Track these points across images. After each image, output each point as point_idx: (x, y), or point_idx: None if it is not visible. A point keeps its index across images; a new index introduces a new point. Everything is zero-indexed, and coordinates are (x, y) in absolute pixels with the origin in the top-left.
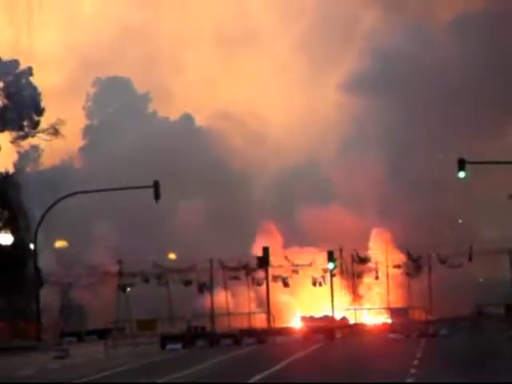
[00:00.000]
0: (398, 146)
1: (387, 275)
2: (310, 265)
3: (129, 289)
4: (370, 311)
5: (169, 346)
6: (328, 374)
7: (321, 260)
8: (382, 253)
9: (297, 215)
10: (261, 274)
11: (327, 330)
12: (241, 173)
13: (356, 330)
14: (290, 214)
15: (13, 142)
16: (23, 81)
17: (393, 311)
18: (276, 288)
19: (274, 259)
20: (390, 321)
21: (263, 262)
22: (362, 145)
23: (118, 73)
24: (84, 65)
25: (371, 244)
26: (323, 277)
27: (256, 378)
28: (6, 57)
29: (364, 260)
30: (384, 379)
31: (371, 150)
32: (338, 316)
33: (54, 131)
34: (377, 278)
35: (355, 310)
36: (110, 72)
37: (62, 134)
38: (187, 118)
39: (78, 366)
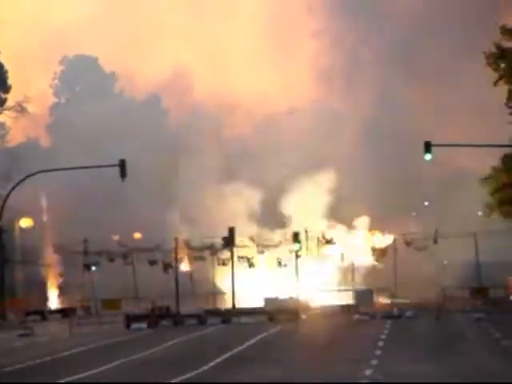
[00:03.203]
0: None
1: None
2: (276, 246)
3: (94, 268)
4: (336, 292)
5: (133, 326)
6: (291, 355)
7: (286, 241)
8: (348, 235)
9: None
10: (226, 254)
11: (292, 311)
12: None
13: (321, 311)
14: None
15: None
16: None
17: (358, 293)
18: (241, 268)
19: (239, 240)
20: (355, 302)
21: (229, 242)
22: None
23: (86, 51)
24: (52, 43)
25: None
26: (288, 258)
27: (219, 359)
28: None
29: (330, 242)
30: (348, 361)
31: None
32: (302, 297)
33: (21, 109)
34: (342, 259)
35: (320, 291)
36: (78, 50)
37: (29, 111)
38: (153, 98)
39: (43, 345)
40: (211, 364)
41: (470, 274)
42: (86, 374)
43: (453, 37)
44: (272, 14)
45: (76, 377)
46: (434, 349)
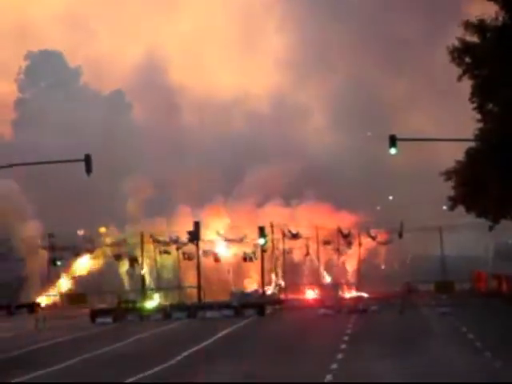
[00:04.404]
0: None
1: (317, 251)
2: (241, 240)
3: (59, 262)
4: (301, 287)
5: (99, 320)
6: (256, 350)
7: (252, 235)
8: (313, 229)
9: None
10: (191, 248)
11: (258, 305)
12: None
13: (286, 305)
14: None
15: None
16: None
17: (323, 287)
18: (207, 263)
19: (204, 233)
20: (320, 296)
21: (194, 236)
22: None
23: (50, 46)
24: (16, 38)
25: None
26: (254, 252)
27: (183, 354)
28: None
29: (295, 236)
30: (314, 355)
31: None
32: (268, 291)
33: None
34: (307, 254)
35: (285, 285)
36: (42, 45)
37: None
38: (118, 94)
39: (9, 340)
40: (171, 362)
41: (435, 268)
42: (47, 370)
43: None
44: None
45: (36, 373)
46: (398, 342)
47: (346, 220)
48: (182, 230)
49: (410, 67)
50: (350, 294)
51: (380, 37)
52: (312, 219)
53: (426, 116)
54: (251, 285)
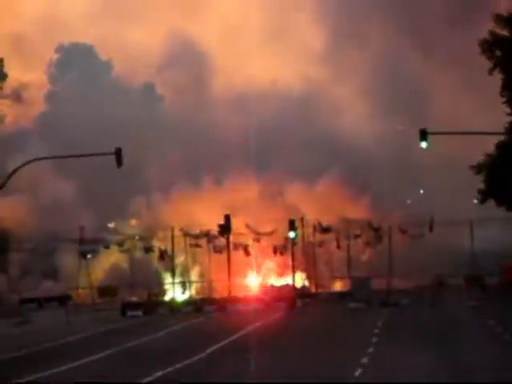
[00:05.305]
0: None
1: (348, 245)
2: (272, 233)
3: (89, 255)
4: (331, 280)
5: (129, 313)
6: (285, 344)
7: (282, 229)
8: (343, 222)
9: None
10: (222, 241)
11: (288, 299)
12: None
13: (316, 298)
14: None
15: None
16: None
17: (354, 280)
18: (237, 256)
19: (235, 227)
20: (351, 290)
21: (225, 229)
22: None
23: (82, 39)
24: (47, 30)
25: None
26: (284, 245)
27: (214, 347)
28: None
29: (326, 229)
30: (345, 348)
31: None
32: (298, 284)
33: (17, 97)
34: (338, 247)
35: (316, 278)
36: (73, 38)
37: (25, 99)
38: (148, 86)
39: (40, 332)
40: (202, 355)
41: (465, 262)
42: (73, 364)
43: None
44: None
45: (69, 366)
46: (428, 336)
47: (376, 213)
48: (213, 222)
49: (446, 58)
50: (380, 287)
51: (415, 27)
52: (342, 212)
53: (457, 108)
54: (281, 278)
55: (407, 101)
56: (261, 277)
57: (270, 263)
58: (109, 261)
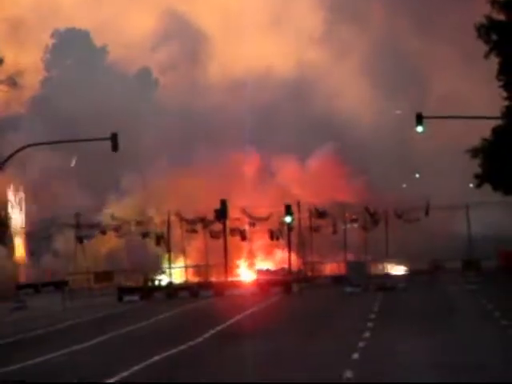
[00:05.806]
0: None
1: (345, 230)
2: (268, 219)
3: (86, 241)
4: (328, 265)
5: (126, 298)
6: (280, 328)
7: (277, 212)
8: (338, 206)
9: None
10: (218, 226)
11: (284, 283)
12: None
13: (313, 283)
14: None
15: None
16: None
17: (349, 264)
18: (233, 241)
19: (231, 212)
20: (347, 274)
21: (221, 214)
22: None
23: (77, 25)
24: (43, 16)
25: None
26: (280, 230)
27: (211, 331)
28: None
29: (322, 214)
30: (341, 333)
31: None
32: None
33: (12, 82)
34: (334, 232)
35: (311, 263)
36: (69, 24)
37: (20, 85)
38: (144, 71)
39: (36, 318)
40: (198, 339)
41: (462, 246)
42: (72, 348)
43: None
44: None
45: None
46: (426, 320)
47: (372, 198)
48: (209, 208)
49: (443, 41)
50: (376, 271)
51: (416, 13)
52: (337, 195)
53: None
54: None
55: (405, 84)
56: (256, 262)
57: (266, 247)
58: (105, 246)
